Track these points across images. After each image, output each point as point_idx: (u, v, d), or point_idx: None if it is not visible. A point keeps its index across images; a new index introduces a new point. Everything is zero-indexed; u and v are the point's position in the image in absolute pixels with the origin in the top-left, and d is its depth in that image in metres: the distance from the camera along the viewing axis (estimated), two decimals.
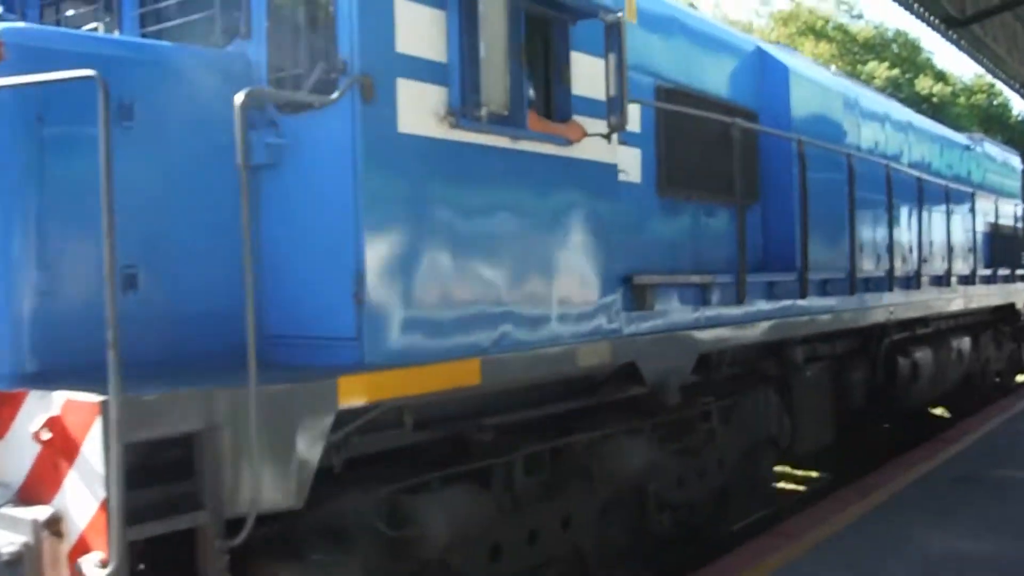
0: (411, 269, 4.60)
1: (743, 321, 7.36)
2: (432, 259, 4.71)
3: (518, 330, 5.21)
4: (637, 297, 6.13)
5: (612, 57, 5.40)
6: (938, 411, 15.38)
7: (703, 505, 7.67)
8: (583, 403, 6.12)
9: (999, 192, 16.91)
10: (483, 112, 4.65)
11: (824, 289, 8.85)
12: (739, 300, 6.96)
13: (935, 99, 42.13)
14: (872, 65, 42.72)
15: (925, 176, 11.60)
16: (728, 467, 7.82)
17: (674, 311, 6.60)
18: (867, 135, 11.27)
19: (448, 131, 4.76)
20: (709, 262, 7.75)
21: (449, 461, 5.27)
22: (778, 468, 11.93)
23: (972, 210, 14.09)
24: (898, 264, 11.25)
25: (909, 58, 44.86)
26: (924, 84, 43.11)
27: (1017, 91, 25.23)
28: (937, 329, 12.71)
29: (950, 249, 12.33)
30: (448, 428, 5.25)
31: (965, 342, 13.75)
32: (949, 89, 44.22)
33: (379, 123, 4.44)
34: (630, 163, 7.03)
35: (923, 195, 11.79)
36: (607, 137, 5.55)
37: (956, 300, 12.91)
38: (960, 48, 18.67)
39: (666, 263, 7.42)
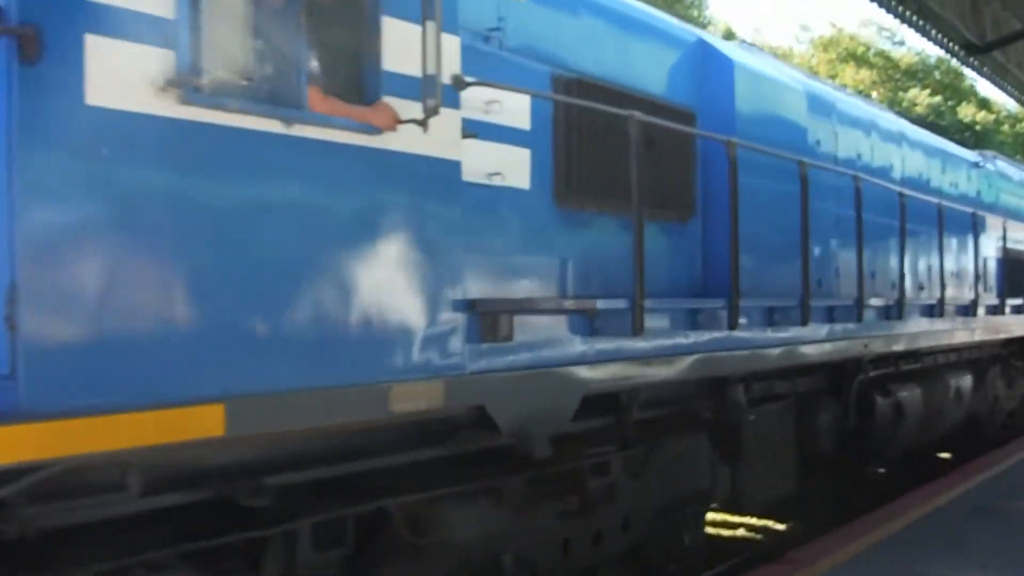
0: (106, 285, 3.48)
1: (651, 355, 6.17)
2: (144, 273, 3.58)
3: (295, 366, 4.08)
4: (487, 326, 4.96)
5: (429, 25, 4.28)
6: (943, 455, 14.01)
7: (605, 572, 6.47)
8: (410, 457, 4.96)
9: (1017, 215, 15.53)
10: (205, 81, 3.53)
11: (772, 319, 7.62)
12: (635, 331, 5.76)
13: (978, 127, 41.49)
14: (914, 92, 42.22)
15: (911, 192, 10.31)
16: (639, 527, 6.60)
17: (546, 343, 5.42)
18: (846, 144, 10.05)
19: (174, 107, 3.65)
20: (631, 285, 6.60)
21: (217, 533, 4.15)
22: (742, 520, 10.69)
23: (977, 233, 12.75)
24: (874, 291, 9.97)
25: (951, 85, 44.08)
26: (967, 111, 42.42)
27: None
28: (930, 364, 11.38)
29: (943, 275, 11.01)
30: (204, 490, 4.12)
31: (967, 379, 12.38)
32: (992, 117, 43.43)
33: (51, 92, 3.34)
34: (514, 166, 5.91)
35: (908, 214, 10.51)
36: (422, 124, 4.40)
37: (953, 332, 11.57)
38: (982, 75, 18.11)
39: (569, 286, 6.28)
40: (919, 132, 12.55)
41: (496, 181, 5.72)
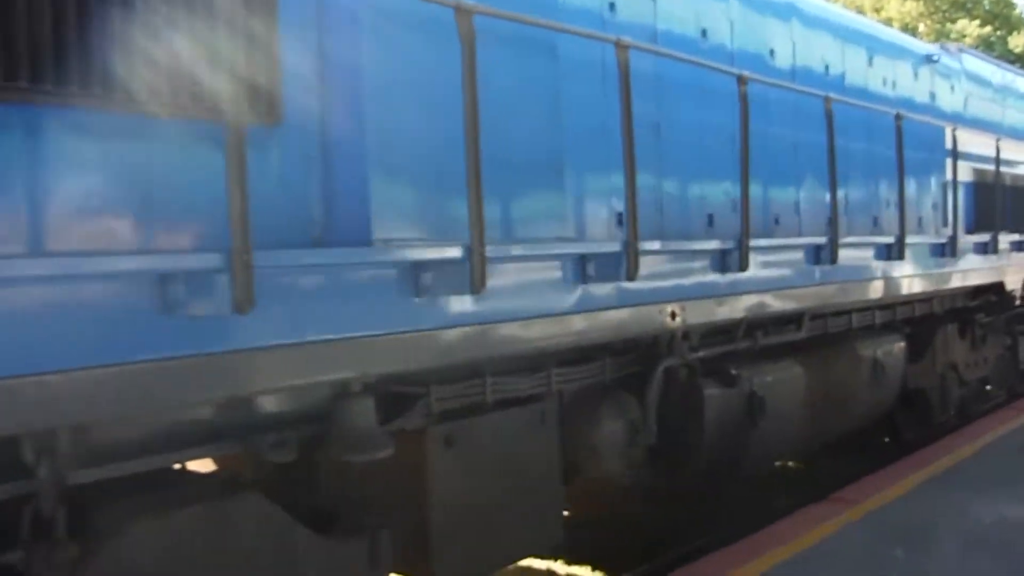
0: None
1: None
2: None
3: None
4: None
5: None
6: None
7: None
8: None
9: (996, 127, 12.03)
10: None
11: (417, 286, 4.40)
12: None
13: None
14: (962, 23, 40.22)
15: (766, 80, 6.94)
16: None
17: None
18: (675, 11, 6.71)
19: None
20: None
21: None
22: None
23: (910, 146, 9.33)
24: (731, 229, 6.69)
25: (1002, 14, 42.12)
26: (1017, 41, 40.41)
27: None
28: (832, 331, 8.11)
29: (836, 205, 7.62)
30: None
31: (896, 346, 9.09)
32: None
33: None
34: None
35: (779, 115, 7.21)
36: None
37: (861, 284, 8.25)
38: None
39: None
40: (825, 8, 9.07)
41: None
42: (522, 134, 5.12)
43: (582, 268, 5.25)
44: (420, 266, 4.35)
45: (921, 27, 40.32)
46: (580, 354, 5.80)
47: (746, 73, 6.38)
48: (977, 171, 11.25)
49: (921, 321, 9.87)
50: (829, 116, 7.47)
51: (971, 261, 10.35)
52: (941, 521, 6.65)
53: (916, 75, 10.42)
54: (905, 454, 9.16)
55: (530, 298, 4.92)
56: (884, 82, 9.70)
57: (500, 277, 4.71)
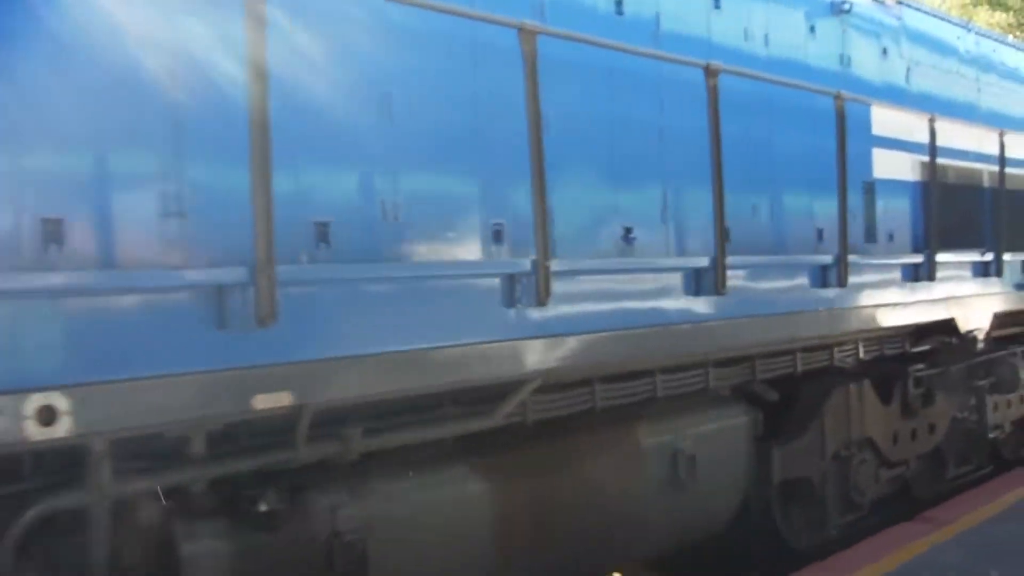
0: None
1: None
2: None
3: None
4: None
5: None
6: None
7: None
8: None
9: (971, 113, 8.93)
10: None
11: None
12: None
13: None
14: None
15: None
16: None
17: None
18: None
19: None
20: None
21: None
22: None
23: (808, 131, 6.29)
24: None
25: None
26: None
27: None
28: (608, 405, 5.14)
29: (544, 203, 4.60)
30: None
31: (725, 424, 6.03)
32: None
33: None
34: None
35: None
36: None
37: (626, 337, 5.21)
38: None
39: None
40: None
41: None
42: None
43: None
44: None
45: (1009, 39, 37.78)
46: None
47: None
48: (928, 167, 8.13)
49: (805, 380, 6.79)
50: (527, 64, 4.47)
51: (886, 292, 7.21)
52: None
53: (813, 30, 7.35)
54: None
55: None
56: (745, 35, 6.68)
57: None
